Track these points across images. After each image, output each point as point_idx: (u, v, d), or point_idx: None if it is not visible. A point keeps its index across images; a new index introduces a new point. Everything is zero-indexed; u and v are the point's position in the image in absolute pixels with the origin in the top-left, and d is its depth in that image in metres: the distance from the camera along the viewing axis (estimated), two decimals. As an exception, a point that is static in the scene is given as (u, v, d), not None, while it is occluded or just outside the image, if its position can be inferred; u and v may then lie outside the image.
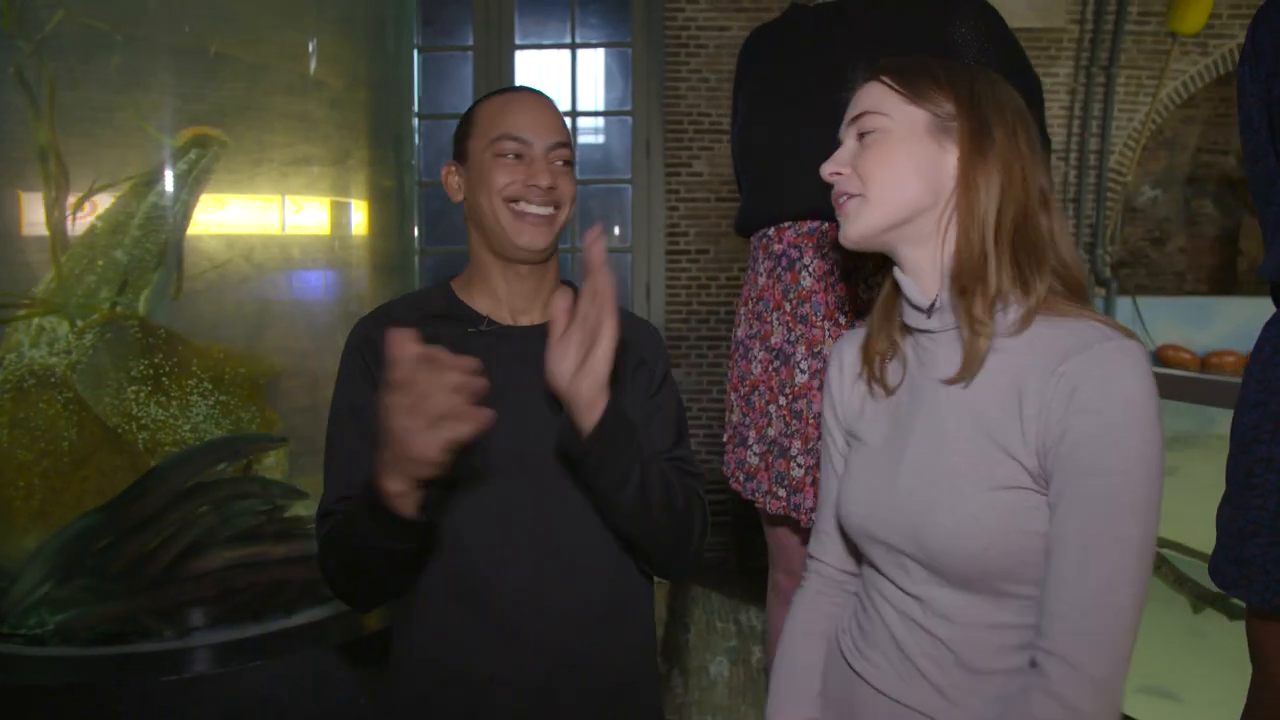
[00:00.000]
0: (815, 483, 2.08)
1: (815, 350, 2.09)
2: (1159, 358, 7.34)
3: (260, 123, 2.81)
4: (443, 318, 1.62)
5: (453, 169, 1.65)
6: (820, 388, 2.07)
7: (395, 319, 1.57)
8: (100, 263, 2.74)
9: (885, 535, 1.32)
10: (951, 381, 1.28)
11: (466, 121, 1.63)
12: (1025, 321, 1.23)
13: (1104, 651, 1.11)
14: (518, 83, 6.53)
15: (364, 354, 1.56)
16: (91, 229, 2.76)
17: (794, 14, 2.26)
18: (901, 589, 1.32)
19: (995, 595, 1.23)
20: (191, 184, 2.84)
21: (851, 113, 1.35)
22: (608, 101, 6.52)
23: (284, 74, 2.81)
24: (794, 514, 2.11)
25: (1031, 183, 1.27)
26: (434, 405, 1.19)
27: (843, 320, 2.06)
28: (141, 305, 2.80)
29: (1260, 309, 1.77)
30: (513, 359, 1.56)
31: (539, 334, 1.51)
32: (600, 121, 6.83)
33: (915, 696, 1.28)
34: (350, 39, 3.00)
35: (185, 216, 2.85)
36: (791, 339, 2.12)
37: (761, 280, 2.20)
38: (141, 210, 2.80)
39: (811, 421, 2.08)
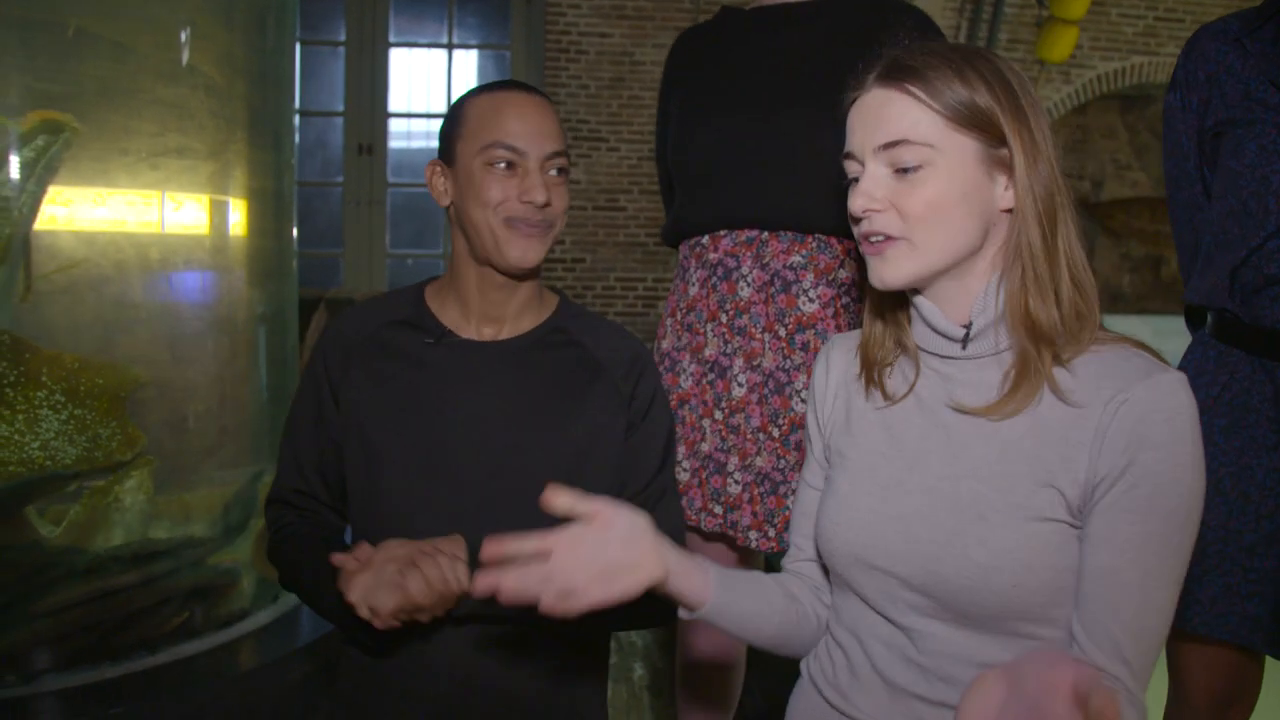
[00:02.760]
0: (753, 500, 1.98)
1: (754, 363, 2.00)
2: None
3: (127, 108, 2.55)
4: (406, 324, 1.58)
5: (438, 170, 1.56)
6: (759, 401, 1.98)
7: (362, 320, 1.60)
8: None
9: (887, 564, 1.21)
10: (988, 412, 1.18)
11: (454, 119, 1.53)
12: (1078, 352, 1.17)
13: (1148, 672, 1.12)
14: (390, 79, 6.36)
15: (326, 355, 1.59)
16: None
17: (728, 17, 2.18)
18: (891, 621, 1.22)
19: (1004, 635, 1.15)
20: (40, 173, 2.56)
21: (878, 137, 1.18)
22: (484, 105, 6.35)
23: (154, 57, 2.56)
24: (730, 531, 2.01)
25: (1068, 203, 1.18)
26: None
27: (783, 333, 1.97)
28: (-19, 308, 2.50)
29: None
30: (467, 375, 1.55)
31: (499, 350, 1.56)
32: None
33: None
34: (227, 24, 2.76)
35: (32, 209, 2.57)
36: (728, 351, 2.03)
37: (693, 290, 2.09)
38: (-18, 200, 2.51)
39: (749, 436, 1.99)
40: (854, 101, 1.24)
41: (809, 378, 1.96)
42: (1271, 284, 1.68)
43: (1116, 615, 1.10)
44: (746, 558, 2.19)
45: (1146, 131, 6.65)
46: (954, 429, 1.21)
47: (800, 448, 1.97)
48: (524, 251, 1.50)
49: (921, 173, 1.16)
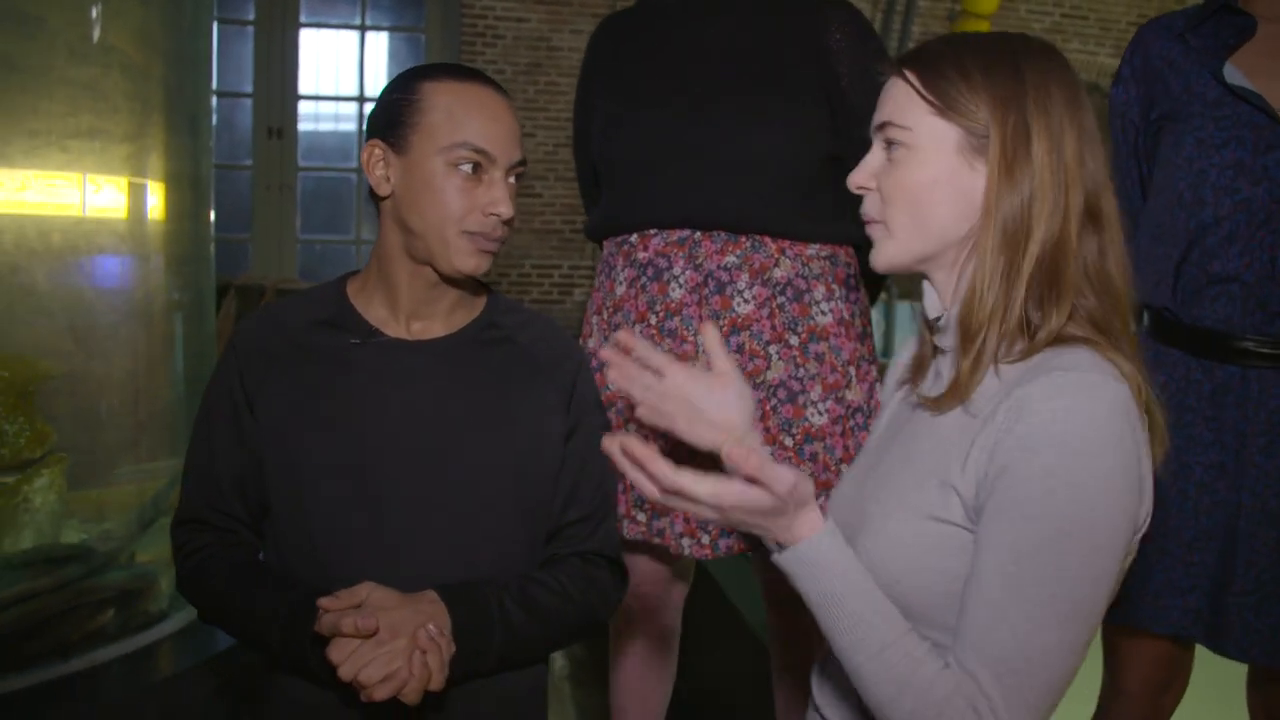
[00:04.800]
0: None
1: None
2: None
3: (35, 87, 2.41)
4: (327, 324, 1.47)
5: (379, 154, 1.42)
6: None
7: (279, 323, 1.49)
8: None
9: None
10: (934, 404, 1.17)
11: (410, 104, 1.40)
12: (1027, 354, 1.10)
13: (1017, 695, 1.02)
14: (299, 60, 6.20)
15: (238, 362, 1.46)
16: None
17: (651, 4, 2.12)
18: None
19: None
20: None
21: (877, 116, 1.18)
22: (398, 88, 6.22)
23: (65, 33, 2.43)
24: (656, 539, 1.97)
25: (1073, 200, 1.11)
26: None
27: (716, 334, 1.94)
28: None
29: None
30: (397, 376, 1.45)
31: (431, 349, 1.47)
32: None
33: None
34: (145, 1, 2.62)
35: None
36: (657, 354, 1.98)
37: (620, 289, 2.04)
38: None
39: (680, 442, 1.94)
40: None
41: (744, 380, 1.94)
42: (1214, 283, 1.72)
43: (973, 624, 1.04)
44: (675, 567, 2.16)
45: (1052, 127, 6.80)
46: (916, 420, 1.20)
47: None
48: (478, 264, 1.42)
49: (899, 155, 1.15)
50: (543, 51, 6.06)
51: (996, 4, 6.01)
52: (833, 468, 1.94)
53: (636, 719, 2.26)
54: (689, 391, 1.19)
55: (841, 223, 2.01)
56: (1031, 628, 1.02)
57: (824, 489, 1.89)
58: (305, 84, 6.25)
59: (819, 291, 1.97)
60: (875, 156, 1.18)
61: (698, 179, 1.96)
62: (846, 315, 2.00)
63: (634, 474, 1.07)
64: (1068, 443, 1.01)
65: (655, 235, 2.00)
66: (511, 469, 1.47)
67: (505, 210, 1.40)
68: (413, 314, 1.47)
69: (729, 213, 1.95)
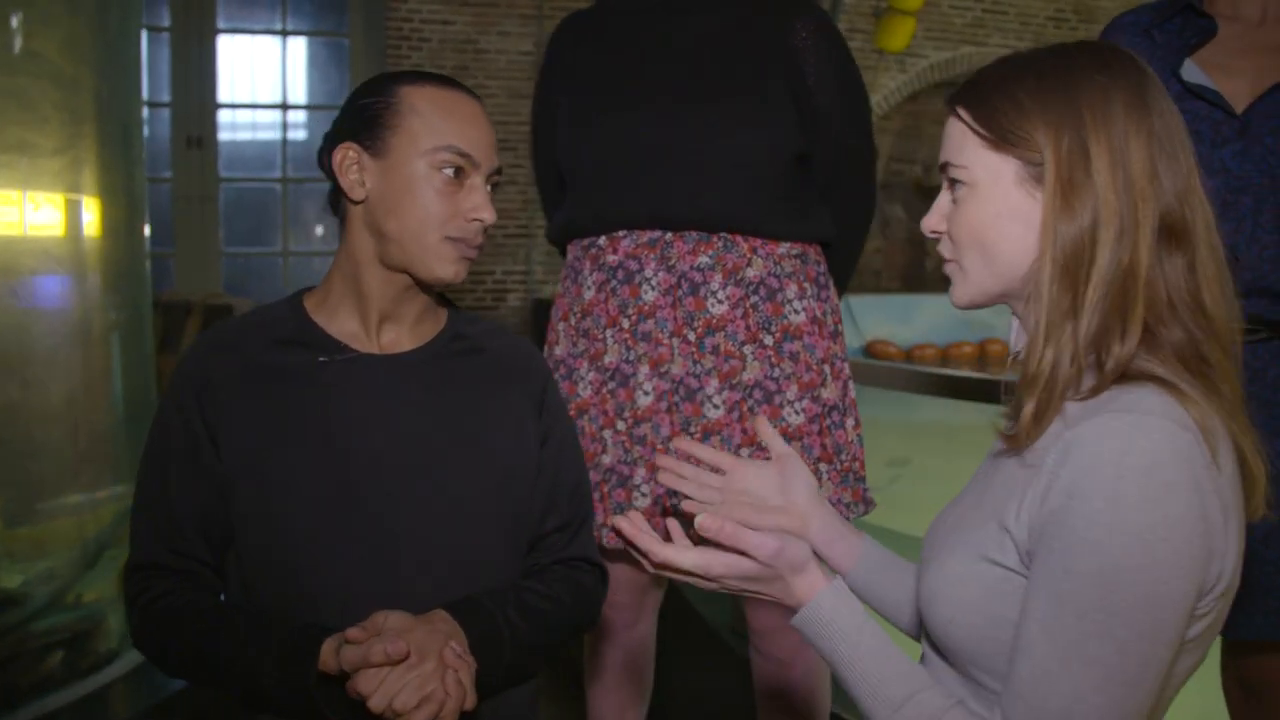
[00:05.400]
0: (665, 514, 1.91)
1: (661, 370, 1.92)
2: (869, 351, 7.83)
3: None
4: (290, 343, 1.42)
5: (353, 157, 1.38)
6: (669, 409, 1.91)
7: (232, 346, 1.43)
8: None
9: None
10: (1006, 442, 1.10)
11: (388, 107, 1.37)
12: (1095, 391, 1.02)
13: None
14: (217, 67, 6.05)
15: (193, 393, 1.39)
16: None
17: (611, 6, 2.08)
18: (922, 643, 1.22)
19: (968, 678, 1.10)
20: None
21: (940, 157, 1.14)
22: (321, 95, 6.10)
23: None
24: (637, 548, 1.93)
25: (1144, 219, 1.01)
26: None
27: (692, 337, 1.91)
28: None
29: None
30: (371, 393, 1.42)
31: (403, 363, 1.45)
32: (304, 115, 6.41)
33: None
34: (70, 7, 2.50)
35: None
36: (631, 358, 1.94)
37: (589, 294, 2.00)
38: None
39: (660, 447, 1.90)
40: None
41: (720, 381, 1.91)
42: None
43: (1016, 675, 0.99)
44: (652, 575, 2.13)
45: (975, 120, 6.98)
46: (999, 455, 1.14)
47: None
48: (457, 270, 1.39)
49: (962, 195, 1.10)
50: (469, 54, 5.99)
51: (904, 46, 6.13)
52: (811, 467, 1.92)
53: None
54: (752, 485, 1.25)
55: (811, 221, 2.01)
56: (1071, 684, 0.95)
57: None
58: (224, 92, 6.10)
59: (791, 290, 1.96)
60: (943, 198, 1.14)
61: (668, 179, 1.93)
62: (819, 313, 1.98)
63: (632, 552, 1.11)
64: (1116, 489, 0.94)
65: (625, 237, 1.96)
66: (494, 477, 1.45)
67: (488, 215, 1.38)
68: (384, 318, 1.44)
69: (701, 212, 1.92)
